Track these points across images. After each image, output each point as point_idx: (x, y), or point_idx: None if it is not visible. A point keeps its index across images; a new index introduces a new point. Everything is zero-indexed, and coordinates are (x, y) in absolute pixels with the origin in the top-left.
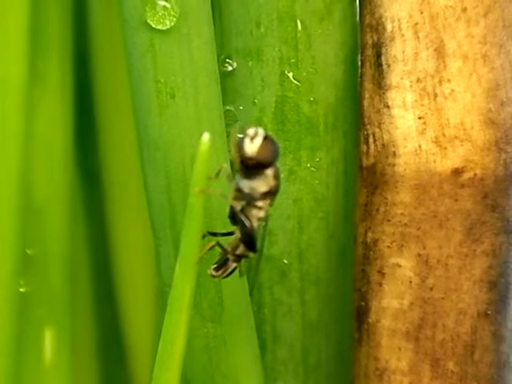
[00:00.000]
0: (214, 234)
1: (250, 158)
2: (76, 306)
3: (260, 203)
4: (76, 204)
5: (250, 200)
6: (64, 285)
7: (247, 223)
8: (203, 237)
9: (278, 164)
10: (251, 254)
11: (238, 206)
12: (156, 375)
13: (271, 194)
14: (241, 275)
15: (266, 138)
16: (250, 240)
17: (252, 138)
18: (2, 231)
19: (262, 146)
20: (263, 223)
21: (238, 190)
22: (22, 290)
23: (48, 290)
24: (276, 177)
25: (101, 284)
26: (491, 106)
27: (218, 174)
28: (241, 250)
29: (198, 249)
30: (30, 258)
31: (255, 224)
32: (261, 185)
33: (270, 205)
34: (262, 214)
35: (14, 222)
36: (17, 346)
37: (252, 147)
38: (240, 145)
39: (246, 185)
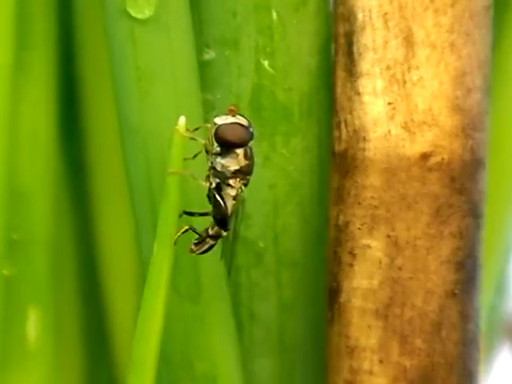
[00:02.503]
0: (191, 214)
1: (220, 135)
2: (60, 288)
3: (231, 181)
4: (61, 189)
5: (222, 178)
6: (48, 268)
7: (219, 199)
8: (180, 216)
9: (252, 147)
10: (224, 233)
11: (213, 183)
12: (135, 352)
13: (242, 172)
14: (221, 258)
15: (239, 119)
16: (221, 217)
17: (226, 118)
18: None
19: (233, 125)
20: (239, 205)
21: (213, 168)
22: (5, 272)
23: (32, 274)
24: (247, 157)
25: (85, 267)
26: (458, 92)
27: (195, 156)
28: (215, 229)
29: (175, 228)
30: (14, 242)
31: (229, 203)
32: (232, 163)
33: (244, 185)
34: (233, 192)
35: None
36: (1, 328)
37: (223, 125)
38: (214, 123)
39: (219, 163)
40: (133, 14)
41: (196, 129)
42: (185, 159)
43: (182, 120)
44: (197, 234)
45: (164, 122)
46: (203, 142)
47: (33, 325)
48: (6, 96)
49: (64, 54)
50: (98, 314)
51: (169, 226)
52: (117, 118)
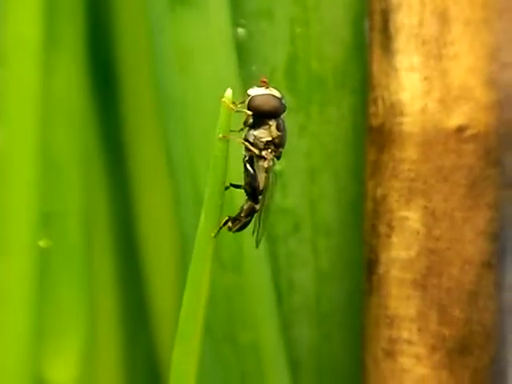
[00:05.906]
0: (238, 186)
1: (254, 105)
2: (96, 261)
3: (263, 153)
4: (96, 162)
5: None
6: (83, 241)
7: (251, 171)
8: (226, 188)
9: (288, 120)
10: (256, 207)
11: (246, 155)
12: (181, 324)
13: (274, 144)
14: (253, 232)
15: (272, 90)
16: (251, 189)
17: (259, 89)
18: (24, 188)
19: (266, 95)
20: (270, 178)
21: (245, 140)
22: (41, 244)
23: (67, 246)
24: (279, 129)
25: (122, 240)
26: (493, 67)
27: (242, 129)
28: (248, 204)
29: (222, 199)
30: (48, 214)
31: (261, 175)
32: (264, 134)
33: (277, 158)
34: (266, 164)
35: (34, 180)
36: (37, 300)
37: (257, 96)
38: (247, 94)
39: (251, 134)
40: None
41: (242, 102)
42: (231, 131)
43: (229, 92)
44: (236, 219)
45: (204, 95)
46: (250, 113)
47: (68, 297)
48: (38, 69)
49: (97, 26)
50: (136, 287)
51: (215, 198)
52: (154, 91)
